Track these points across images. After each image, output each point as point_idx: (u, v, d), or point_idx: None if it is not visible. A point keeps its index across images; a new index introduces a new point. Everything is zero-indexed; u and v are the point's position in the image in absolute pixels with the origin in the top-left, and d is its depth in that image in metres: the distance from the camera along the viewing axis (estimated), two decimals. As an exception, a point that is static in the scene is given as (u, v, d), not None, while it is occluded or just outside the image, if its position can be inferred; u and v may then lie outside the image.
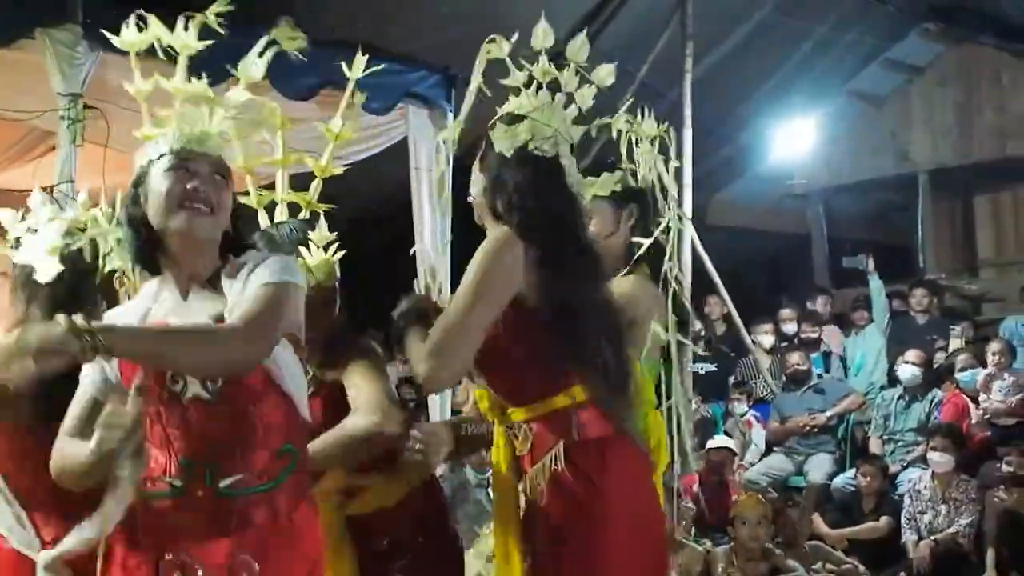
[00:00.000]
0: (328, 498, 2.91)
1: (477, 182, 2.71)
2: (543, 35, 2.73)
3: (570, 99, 2.74)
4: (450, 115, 7.33)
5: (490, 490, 6.73)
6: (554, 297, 2.50)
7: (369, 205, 9.19)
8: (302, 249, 3.14)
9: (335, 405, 2.94)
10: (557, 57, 2.71)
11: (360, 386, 2.93)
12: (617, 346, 2.58)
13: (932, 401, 8.44)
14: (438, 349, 2.47)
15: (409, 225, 7.24)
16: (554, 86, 2.74)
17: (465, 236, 7.55)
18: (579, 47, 2.69)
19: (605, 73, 2.80)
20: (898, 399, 8.59)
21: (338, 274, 3.25)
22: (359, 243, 10.27)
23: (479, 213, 2.74)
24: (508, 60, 2.78)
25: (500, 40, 2.80)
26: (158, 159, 2.47)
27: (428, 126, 7.25)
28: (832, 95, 11.99)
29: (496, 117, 2.70)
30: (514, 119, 2.67)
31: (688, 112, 8.42)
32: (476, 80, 2.84)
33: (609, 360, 2.54)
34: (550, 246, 2.54)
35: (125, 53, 6.00)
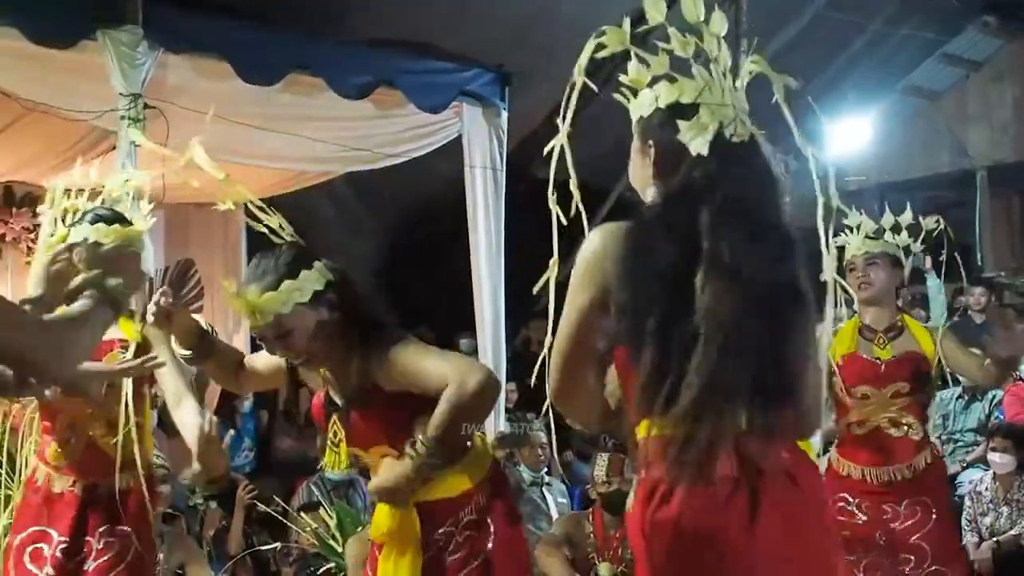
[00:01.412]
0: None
1: (648, 190, 2.34)
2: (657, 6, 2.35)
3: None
4: (503, 112, 7.36)
5: (544, 489, 6.76)
6: None
7: (422, 202, 9.25)
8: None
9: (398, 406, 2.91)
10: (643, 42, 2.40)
11: (423, 366, 2.84)
12: None
13: (992, 400, 8.32)
14: None
15: (461, 222, 7.27)
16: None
17: (518, 233, 7.58)
18: (719, 21, 2.31)
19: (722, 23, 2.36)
20: (957, 398, 8.48)
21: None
22: (411, 239, 10.40)
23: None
24: (633, 49, 2.37)
25: (611, 29, 2.38)
26: None
27: (482, 124, 7.29)
28: (887, 91, 11.88)
29: (645, 115, 2.35)
30: (672, 111, 2.28)
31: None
32: (579, 77, 2.42)
33: None
34: None
35: (183, 53, 6.12)
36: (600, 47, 2.39)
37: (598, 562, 5.74)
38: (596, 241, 2.28)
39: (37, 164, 7.39)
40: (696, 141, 2.21)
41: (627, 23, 2.38)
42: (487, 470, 3.07)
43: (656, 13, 2.35)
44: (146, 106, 5.73)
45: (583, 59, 2.43)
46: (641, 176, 2.37)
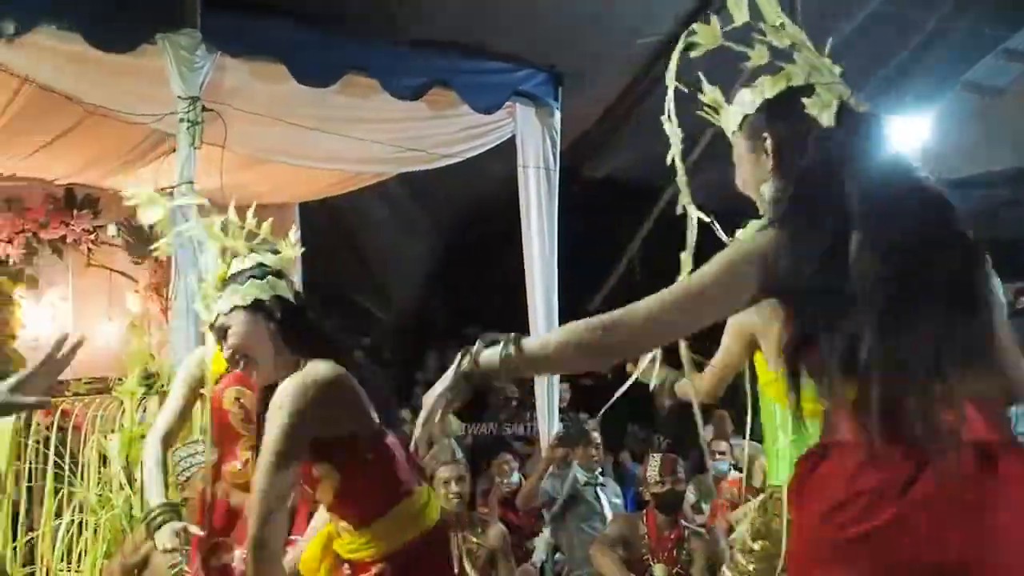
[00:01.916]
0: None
1: (764, 187, 2.31)
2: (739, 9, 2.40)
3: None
4: (556, 113, 7.37)
5: (598, 489, 6.76)
6: None
7: (474, 202, 9.28)
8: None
9: None
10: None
11: (270, 433, 2.86)
12: None
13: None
14: None
15: (514, 222, 7.28)
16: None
17: (570, 233, 7.58)
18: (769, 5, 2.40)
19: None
20: (1018, 401, 8.38)
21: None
22: (464, 239, 10.41)
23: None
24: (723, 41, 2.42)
25: (702, 27, 2.41)
26: None
27: (535, 124, 7.29)
28: (945, 87, 11.73)
29: (751, 112, 2.34)
30: (785, 98, 2.30)
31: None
32: (671, 81, 2.49)
33: None
34: None
35: (240, 56, 6.19)
36: (691, 46, 2.43)
37: (653, 563, 5.74)
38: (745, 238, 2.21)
39: (97, 167, 7.51)
40: (825, 114, 2.21)
41: (715, 21, 2.43)
42: (404, 543, 2.97)
43: (740, 12, 2.39)
44: (204, 108, 5.79)
45: (673, 61, 2.49)
46: (756, 175, 2.33)
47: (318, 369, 2.84)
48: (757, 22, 2.39)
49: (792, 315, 2.08)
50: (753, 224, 2.50)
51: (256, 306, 2.99)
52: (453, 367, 2.20)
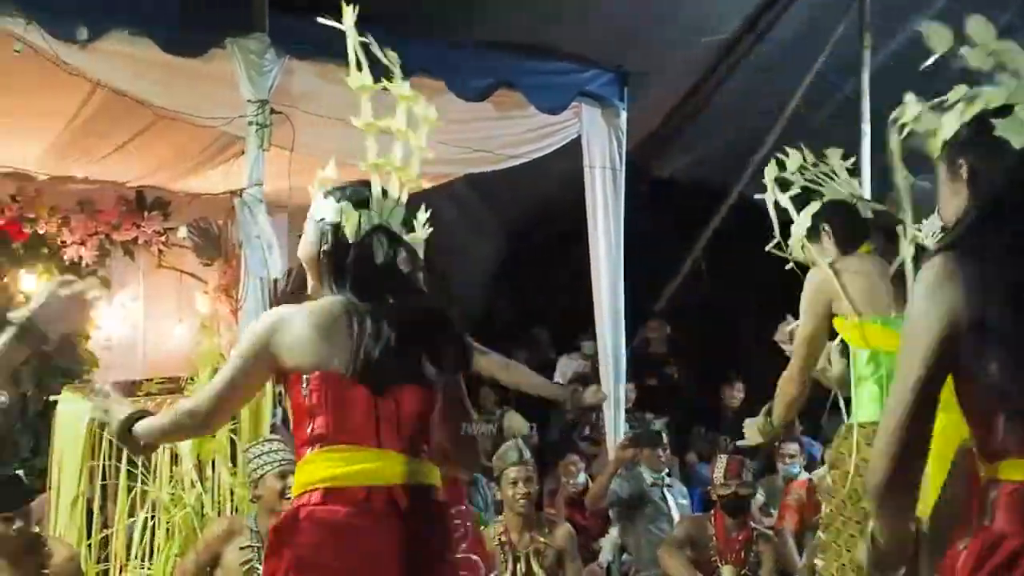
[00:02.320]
0: None
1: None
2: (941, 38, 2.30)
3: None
4: (623, 113, 7.34)
5: (665, 490, 6.73)
6: None
7: (541, 203, 9.28)
8: None
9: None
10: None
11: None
12: None
13: None
14: None
15: (580, 222, 7.27)
16: None
17: (636, 232, 7.56)
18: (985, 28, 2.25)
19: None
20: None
21: None
22: (531, 240, 10.41)
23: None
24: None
25: (934, 29, 2.29)
26: None
27: (601, 124, 7.27)
28: None
29: (949, 136, 2.23)
30: (980, 122, 2.17)
31: (866, 105, 8.23)
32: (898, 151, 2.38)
33: None
34: None
35: (308, 59, 6.24)
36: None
37: (721, 565, 5.71)
38: (936, 263, 2.03)
39: (167, 170, 7.62)
40: (1017, 137, 2.09)
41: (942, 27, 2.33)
42: (306, 491, 2.80)
43: (940, 43, 2.28)
44: (272, 111, 5.85)
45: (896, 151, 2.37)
46: (955, 204, 2.19)
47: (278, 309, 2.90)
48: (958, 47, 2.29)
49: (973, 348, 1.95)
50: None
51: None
52: None
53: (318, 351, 2.75)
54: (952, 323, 1.95)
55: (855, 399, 3.89)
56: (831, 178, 4.19)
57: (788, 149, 4.20)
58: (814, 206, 4.12)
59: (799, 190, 4.14)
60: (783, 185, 4.16)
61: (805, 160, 4.18)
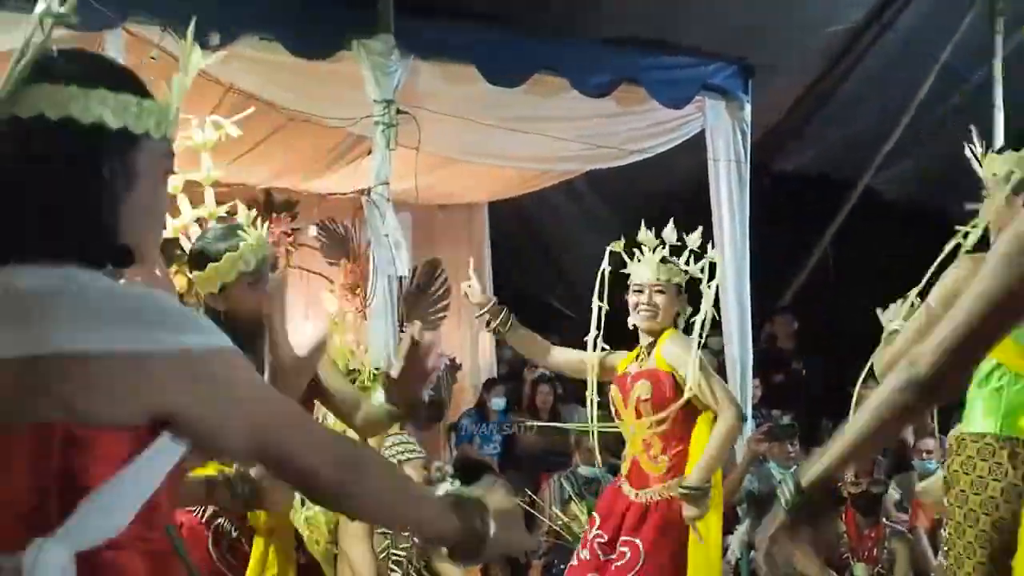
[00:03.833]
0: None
1: None
2: None
3: None
4: (747, 106, 7.27)
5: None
6: None
7: (663, 197, 9.23)
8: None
9: None
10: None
11: None
12: None
13: None
14: None
15: (702, 217, 7.22)
16: None
17: (761, 226, 7.46)
18: None
19: None
20: None
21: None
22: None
23: None
24: None
25: None
26: None
27: (725, 117, 7.21)
28: None
29: None
30: None
31: (999, 93, 8.01)
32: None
33: None
34: None
35: (432, 59, 6.31)
36: None
37: (853, 562, 5.63)
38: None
39: (294, 171, 7.77)
40: None
41: None
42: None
43: None
44: (398, 111, 5.94)
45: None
46: None
47: None
48: None
49: None
50: None
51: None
52: None
53: None
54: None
55: (968, 406, 3.65)
56: None
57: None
58: None
59: None
60: None
61: None
